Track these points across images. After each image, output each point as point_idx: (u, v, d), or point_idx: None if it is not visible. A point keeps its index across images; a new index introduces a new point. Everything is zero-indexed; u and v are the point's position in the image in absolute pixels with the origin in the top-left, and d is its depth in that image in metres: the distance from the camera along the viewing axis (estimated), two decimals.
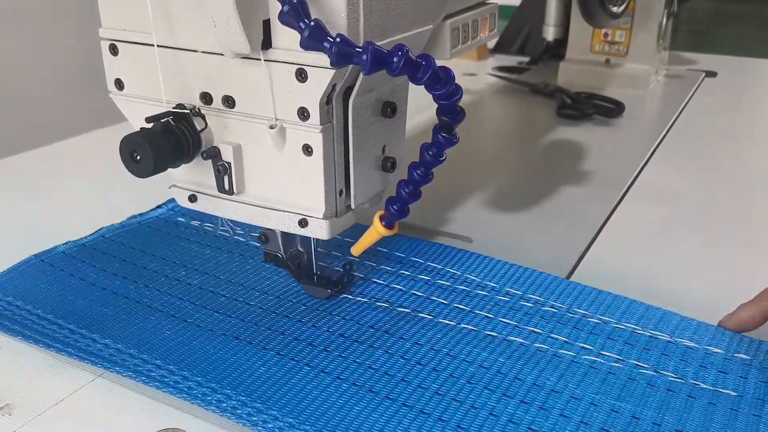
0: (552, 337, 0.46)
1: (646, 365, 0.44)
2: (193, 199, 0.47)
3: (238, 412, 0.40)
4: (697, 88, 1.08)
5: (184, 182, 0.47)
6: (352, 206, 0.46)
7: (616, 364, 0.44)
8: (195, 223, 0.61)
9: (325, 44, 0.36)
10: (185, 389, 0.41)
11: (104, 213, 0.66)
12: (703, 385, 0.42)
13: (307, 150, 0.42)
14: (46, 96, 1.68)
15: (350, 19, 0.38)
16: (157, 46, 0.43)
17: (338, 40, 0.36)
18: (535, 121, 0.96)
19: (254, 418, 0.39)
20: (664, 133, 0.88)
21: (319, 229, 0.44)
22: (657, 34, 1.04)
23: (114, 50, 0.45)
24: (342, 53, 0.36)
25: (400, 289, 0.51)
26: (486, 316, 0.48)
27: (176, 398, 0.42)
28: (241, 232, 0.59)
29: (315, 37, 0.36)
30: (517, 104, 1.03)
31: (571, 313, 0.48)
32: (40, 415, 0.42)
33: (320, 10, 0.38)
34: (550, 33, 1.10)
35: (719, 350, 0.45)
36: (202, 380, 0.42)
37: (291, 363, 0.44)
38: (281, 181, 0.44)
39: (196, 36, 0.42)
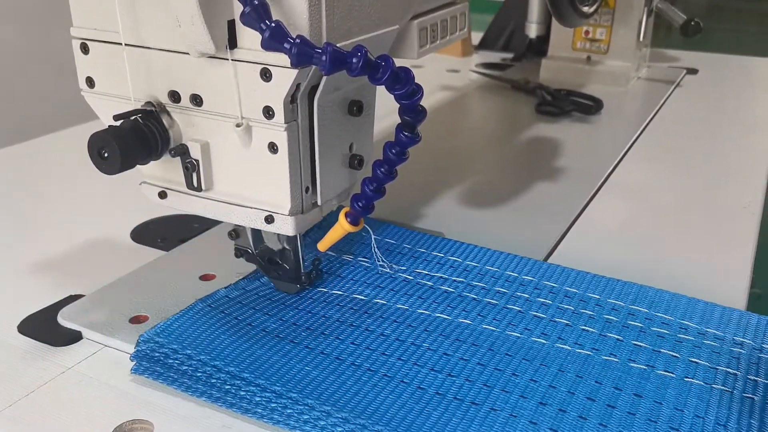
0: (554, 321, 0.49)
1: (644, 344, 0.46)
2: (163, 195, 0.48)
3: None
4: (677, 85, 1.09)
5: (153, 179, 0.48)
6: (319, 203, 0.47)
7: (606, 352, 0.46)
8: (347, 257, 0.55)
9: (285, 45, 0.37)
10: None
11: (89, 210, 0.67)
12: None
13: (273, 148, 0.43)
14: (27, 92, 1.68)
15: (312, 20, 0.39)
16: (125, 45, 0.43)
17: (298, 41, 0.36)
18: (515, 117, 0.97)
19: None
20: (641, 130, 0.89)
21: (285, 226, 0.45)
22: (637, 32, 1.05)
23: (85, 49, 0.46)
24: (302, 54, 0.37)
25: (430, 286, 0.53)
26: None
27: (147, 391, 0.43)
28: (403, 268, 0.55)
29: (275, 37, 0.37)
30: (498, 101, 1.04)
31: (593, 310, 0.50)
32: (11, 406, 0.43)
33: (283, 12, 0.39)
34: (532, 30, 1.12)
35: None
36: None
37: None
38: (248, 178, 0.45)
39: (163, 35, 0.42)
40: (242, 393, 0.42)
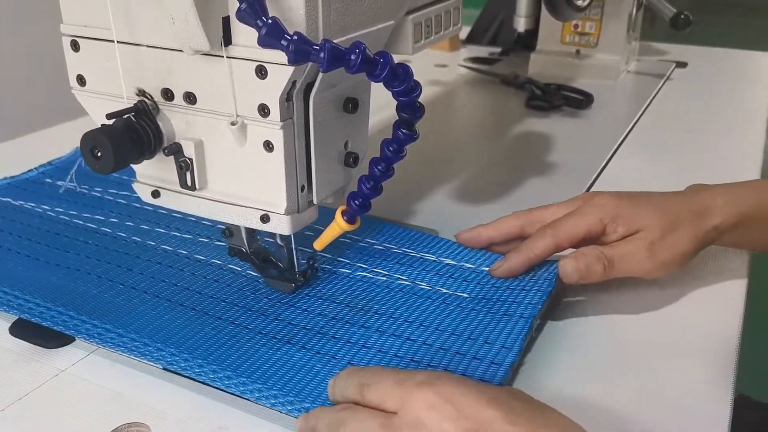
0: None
1: (405, 278, 0.53)
2: (156, 194, 0.47)
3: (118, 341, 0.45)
4: (666, 79, 1.09)
5: (146, 178, 0.47)
6: (315, 201, 0.46)
7: (384, 279, 0.53)
8: (60, 183, 0.69)
9: (283, 42, 0.36)
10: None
11: None
12: (443, 290, 0.52)
13: (268, 146, 0.42)
14: (14, 90, 1.66)
15: (309, 16, 0.39)
16: (117, 42, 0.43)
17: (295, 38, 0.36)
18: (505, 112, 0.97)
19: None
20: (632, 124, 0.89)
21: (281, 225, 0.44)
22: (627, 25, 1.05)
23: (75, 46, 0.45)
24: (299, 51, 0.36)
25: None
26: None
27: (143, 393, 0.43)
28: (86, 186, 0.67)
29: (272, 34, 0.36)
30: (487, 96, 1.04)
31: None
32: (4, 410, 0.42)
33: (279, 8, 0.38)
34: (521, 24, 1.10)
35: (470, 265, 0.55)
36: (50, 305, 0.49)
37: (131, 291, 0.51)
38: (243, 177, 0.44)
39: (156, 32, 0.42)
40: None
